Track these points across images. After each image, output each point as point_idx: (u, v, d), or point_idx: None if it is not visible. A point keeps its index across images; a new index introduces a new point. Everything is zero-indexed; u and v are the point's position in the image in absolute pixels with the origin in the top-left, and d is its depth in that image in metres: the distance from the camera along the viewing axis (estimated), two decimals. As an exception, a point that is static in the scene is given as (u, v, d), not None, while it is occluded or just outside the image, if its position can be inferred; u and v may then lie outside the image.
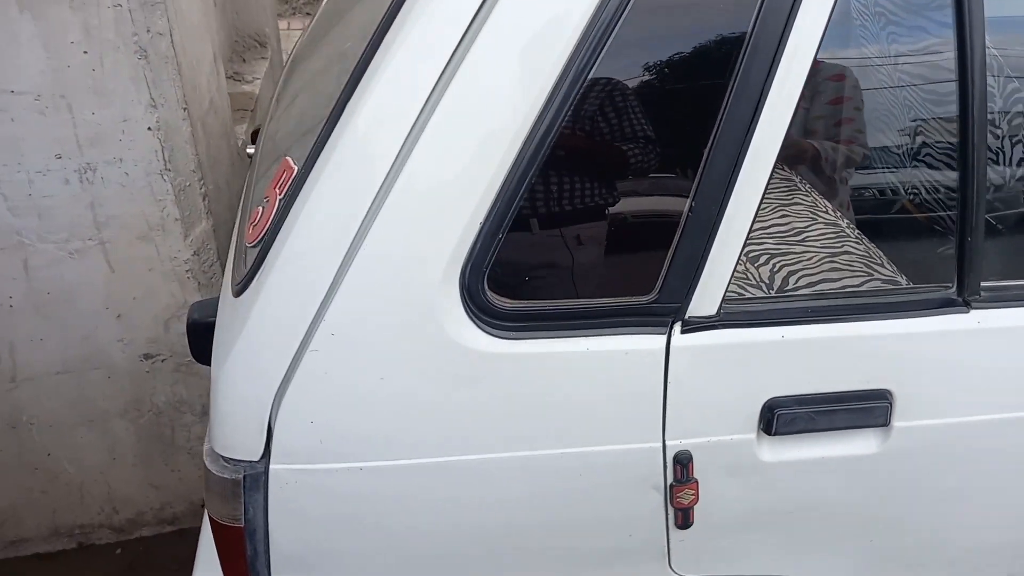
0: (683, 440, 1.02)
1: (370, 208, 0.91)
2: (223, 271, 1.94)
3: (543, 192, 0.95)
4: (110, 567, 2.16)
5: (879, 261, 1.30)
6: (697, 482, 1.04)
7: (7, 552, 2.10)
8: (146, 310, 1.84)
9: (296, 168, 1.00)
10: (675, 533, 1.09)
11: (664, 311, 0.98)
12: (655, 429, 1.02)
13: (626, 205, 1.00)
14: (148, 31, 1.56)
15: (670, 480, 1.04)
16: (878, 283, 1.26)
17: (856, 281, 1.25)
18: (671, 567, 1.13)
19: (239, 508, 1.03)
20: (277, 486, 1.01)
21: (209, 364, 1.43)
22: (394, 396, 0.97)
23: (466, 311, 0.95)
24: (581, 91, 0.90)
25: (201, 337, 1.34)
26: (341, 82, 0.97)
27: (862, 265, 1.29)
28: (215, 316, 1.35)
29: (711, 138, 0.93)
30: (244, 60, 3.02)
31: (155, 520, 2.19)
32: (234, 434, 1.00)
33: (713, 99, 0.93)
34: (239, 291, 1.01)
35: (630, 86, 0.96)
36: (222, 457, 1.01)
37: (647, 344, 0.98)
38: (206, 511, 1.13)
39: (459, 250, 0.93)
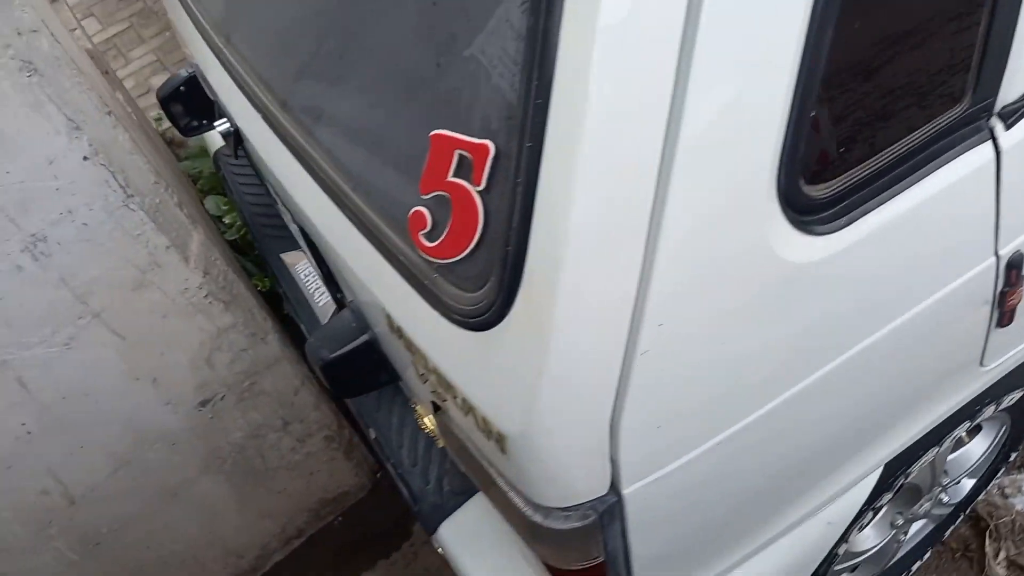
0: (1015, 244, 0.89)
1: (662, 159, 0.65)
2: (233, 270, 1.58)
3: (843, 48, 0.70)
4: (262, 605, 1.99)
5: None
6: (1024, 278, 0.93)
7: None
8: (180, 359, 1.50)
9: (492, 146, 0.71)
10: (995, 333, 1.00)
11: (980, 113, 0.80)
12: (988, 246, 0.88)
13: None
14: (19, 33, 1.08)
15: (1000, 287, 0.93)
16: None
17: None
18: (981, 364, 1.06)
19: (597, 548, 0.86)
20: (635, 507, 0.83)
21: (356, 396, 1.18)
22: (738, 354, 0.78)
23: (793, 225, 0.74)
24: None
25: (345, 372, 1.09)
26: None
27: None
28: (346, 342, 1.09)
29: None
30: None
31: (281, 543, 2.00)
32: (572, 484, 0.80)
33: None
34: (483, 324, 0.75)
35: None
36: (558, 509, 0.82)
37: (978, 157, 0.81)
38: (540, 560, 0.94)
39: (773, 160, 0.70)
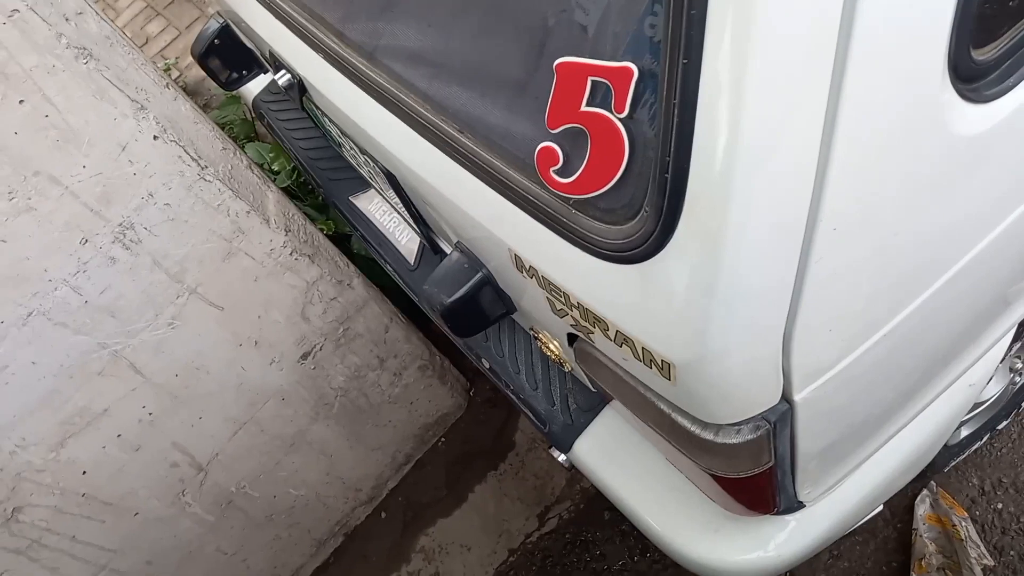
0: None
1: (836, 49, 0.59)
2: (309, 218, 1.56)
3: None
4: (389, 529, 2.09)
5: None
6: None
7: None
8: (277, 319, 1.50)
9: (635, 68, 0.65)
10: None
11: None
12: None
13: None
14: (67, 19, 1.01)
15: None
16: None
17: None
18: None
19: (767, 455, 0.86)
20: (805, 411, 0.82)
21: (475, 334, 1.17)
22: (908, 241, 0.75)
23: (962, 96, 0.68)
24: None
25: (465, 314, 1.08)
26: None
27: None
28: (462, 284, 1.07)
29: None
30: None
31: (393, 471, 2.07)
32: (745, 399, 0.79)
33: None
34: (640, 256, 0.72)
35: None
36: (729, 425, 0.82)
37: None
38: (707, 472, 0.94)
39: (947, 32, 0.63)
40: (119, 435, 1.39)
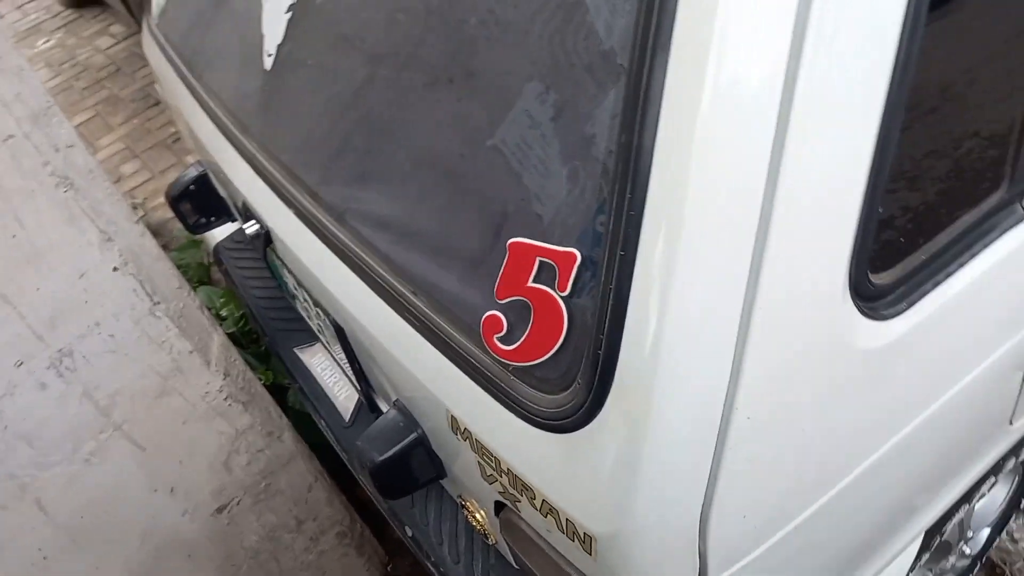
0: (1048, 309, 0.95)
1: (751, 267, 0.68)
2: (250, 366, 1.55)
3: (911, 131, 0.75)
4: None
5: None
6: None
7: None
8: (198, 466, 1.46)
9: (578, 254, 0.73)
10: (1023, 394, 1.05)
11: (1017, 195, 0.86)
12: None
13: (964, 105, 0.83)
14: (57, 149, 1.08)
15: (1034, 350, 0.98)
16: None
17: None
18: (1011, 423, 1.10)
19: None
20: (721, 599, 0.84)
21: (403, 496, 1.16)
22: (816, 444, 0.81)
23: (862, 311, 0.78)
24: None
25: (396, 473, 1.09)
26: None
27: None
28: (395, 442, 1.09)
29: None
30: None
31: (295, 647, 1.91)
32: (661, 582, 0.80)
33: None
34: (569, 426, 0.76)
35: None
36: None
37: (1016, 237, 0.86)
38: None
39: (846, 249, 0.73)
40: (3, 577, 1.28)
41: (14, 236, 1.06)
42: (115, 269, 1.18)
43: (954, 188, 0.83)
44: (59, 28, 4.90)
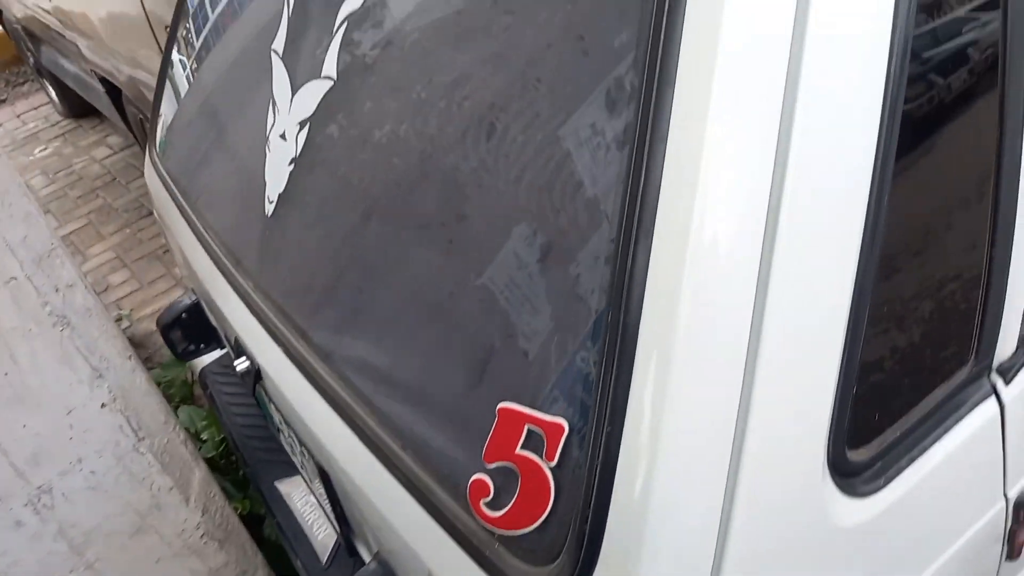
0: (1020, 485, 0.97)
1: (732, 448, 0.71)
2: (227, 494, 1.53)
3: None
4: None
5: None
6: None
7: None
8: (168, 605, 1.41)
9: (567, 425, 0.75)
10: (1004, 565, 1.05)
11: (983, 369, 0.90)
12: (998, 489, 0.95)
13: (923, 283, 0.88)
14: (57, 290, 1.10)
15: (1009, 524, 0.99)
16: None
17: None
18: (992, 591, 1.11)
19: None
20: None
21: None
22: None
23: (841, 488, 0.80)
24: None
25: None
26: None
27: None
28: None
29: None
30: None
31: None
32: None
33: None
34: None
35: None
36: None
37: (985, 412, 0.90)
38: None
39: (824, 426, 0.76)
40: None
41: (6, 374, 1.07)
42: (103, 405, 1.18)
43: (923, 363, 0.87)
44: (57, 137, 5.03)
